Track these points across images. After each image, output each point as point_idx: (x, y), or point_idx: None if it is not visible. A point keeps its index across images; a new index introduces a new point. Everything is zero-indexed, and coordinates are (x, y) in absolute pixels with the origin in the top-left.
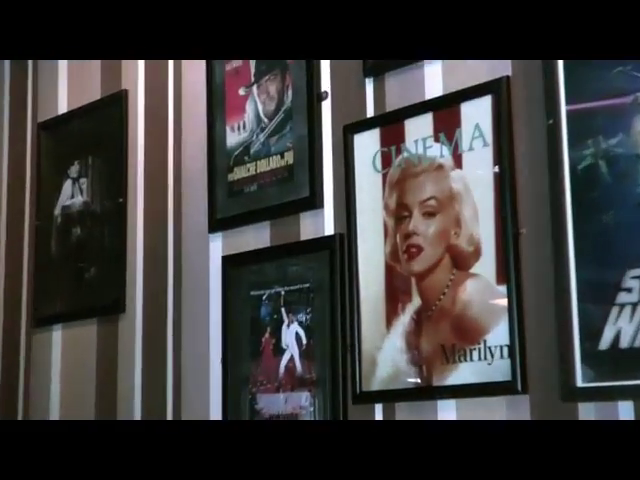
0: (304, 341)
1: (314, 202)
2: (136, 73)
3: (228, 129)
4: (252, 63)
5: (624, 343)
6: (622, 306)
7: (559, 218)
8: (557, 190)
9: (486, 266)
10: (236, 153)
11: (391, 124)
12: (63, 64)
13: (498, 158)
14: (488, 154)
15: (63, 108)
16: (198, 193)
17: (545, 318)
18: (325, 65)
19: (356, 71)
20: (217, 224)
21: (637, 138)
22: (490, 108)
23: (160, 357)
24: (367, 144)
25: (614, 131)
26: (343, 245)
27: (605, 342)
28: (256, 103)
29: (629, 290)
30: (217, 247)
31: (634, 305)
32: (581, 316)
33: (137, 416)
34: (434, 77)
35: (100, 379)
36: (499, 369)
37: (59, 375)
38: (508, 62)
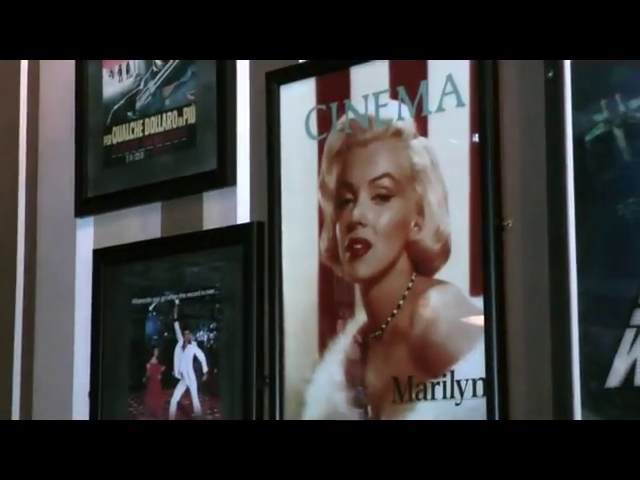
0: (205, 369)
1: (223, 177)
2: None
3: (105, 73)
4: None
5: None
6: None
7: (558, 207)
8: (556, 169)
9: (457, 271)
10: (116, 107)
11: (332, 72)
12: None
13: (478, 123)
14: (464, 117)
15: None
16: (61, 162)
17: (535, 344)
18: None
19: None
20: (87, 205)
21: None
22: None
23: (2, 391)
24: (298, 99)
25: (636, 89)
26: (262, 238)
27: (615, 378)
28: None
29: None
30: (87, 237)
31: None
32: (584, 342)
33: None
34: None
35: None
36: (471, 411)
37: None
38: None
